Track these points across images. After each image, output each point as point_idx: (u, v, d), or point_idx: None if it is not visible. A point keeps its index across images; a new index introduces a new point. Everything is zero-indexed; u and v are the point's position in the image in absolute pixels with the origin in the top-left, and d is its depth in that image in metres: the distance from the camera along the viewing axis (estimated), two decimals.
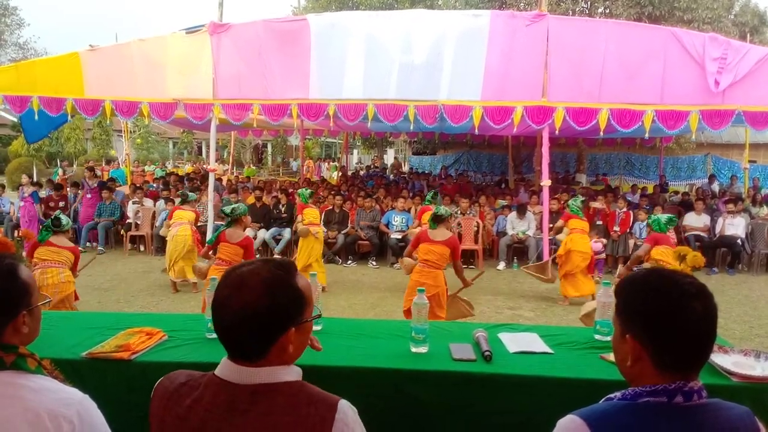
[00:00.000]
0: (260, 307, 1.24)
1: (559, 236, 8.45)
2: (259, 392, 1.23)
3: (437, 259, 5.49)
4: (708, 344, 1.21)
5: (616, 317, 1.30)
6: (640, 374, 1.24)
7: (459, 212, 10.67)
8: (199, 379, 1.30)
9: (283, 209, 10.89)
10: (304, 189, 9.05)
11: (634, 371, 1.25)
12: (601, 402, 1.26)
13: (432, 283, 5.40)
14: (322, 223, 9.85)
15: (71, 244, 5.32)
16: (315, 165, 29.06)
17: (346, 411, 1.28)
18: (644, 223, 9.83)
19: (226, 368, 1.28)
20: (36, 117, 9.85)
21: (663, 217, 6.43)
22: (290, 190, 12.57)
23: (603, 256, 9.71)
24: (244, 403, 1.23)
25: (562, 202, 10.58)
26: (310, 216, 8.26)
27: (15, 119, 12.75)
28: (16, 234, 9.77)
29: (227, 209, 5.76)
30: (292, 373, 1.29)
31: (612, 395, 1.26)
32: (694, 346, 1.20)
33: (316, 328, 2.69)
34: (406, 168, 26.53)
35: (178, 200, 9.11)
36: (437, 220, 5.66)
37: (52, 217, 5.26)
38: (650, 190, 14.61)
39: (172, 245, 8.05)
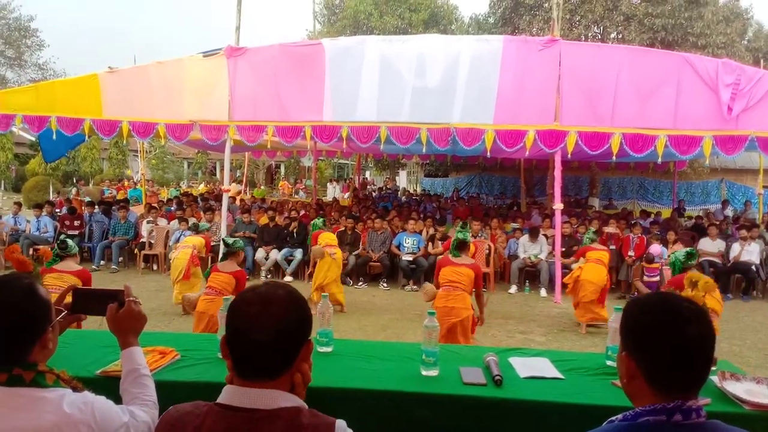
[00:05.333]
0: (291, 320, 1.30)
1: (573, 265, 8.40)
2: (259, 419, 1.24)
3: (463, 280, 5.17)
4: (702, 367, 1.23)
5: (620, 335, 1.34)
6: (637, 392, 1.27)
7: (470, 235, 10.62)
8: (202, 408, 1.31)
9: (295, 230, 10.92)
10: (316, 219, 9.06)
11: (631, 389, 1.29)
12: (603, 425, 1.28)
13: (461, 306, 5.07)
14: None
15: (78, 268, 4.97)
16: (331, 187, 29.25)
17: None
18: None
19: (231, 393, 1.29)
20: (54, 137, 10.01)
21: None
22: (302, 212, 12.63)
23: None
24: (244, 431, 1.24)
25: (575, 226, 10.51)
26: (327, 239, 8.27)
27: (33, 138, 12.93)
28: (30, 252, 9.87)
29: (229, 240, 5.67)
30: (291, 399, 1.30)
31: (614, 417, 1.28)
32: (686, 369, 1.21)
33: (327, 349, 2.71)
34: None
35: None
36: (461, 247, 5.40)
37: (58, 240, 5.01)
38: (664, 215, 14.49)
39: (172, 268, 8.13)
